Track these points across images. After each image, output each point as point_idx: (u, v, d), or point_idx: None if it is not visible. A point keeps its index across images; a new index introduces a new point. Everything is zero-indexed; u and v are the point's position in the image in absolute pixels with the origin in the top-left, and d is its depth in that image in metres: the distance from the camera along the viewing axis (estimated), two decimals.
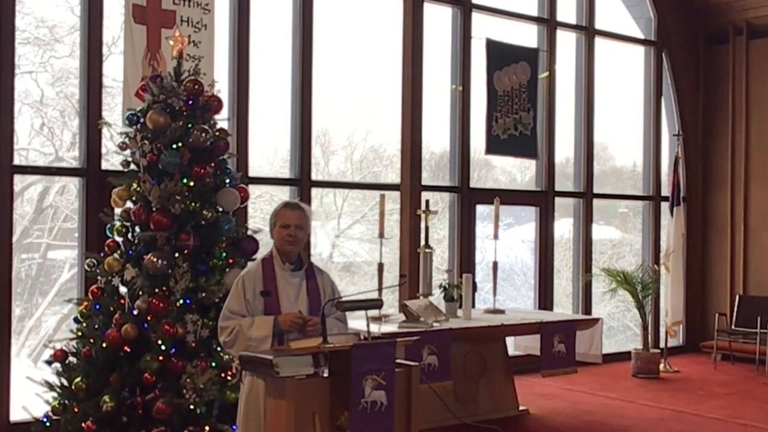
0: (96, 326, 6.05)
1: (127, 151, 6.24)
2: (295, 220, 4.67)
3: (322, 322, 4.33)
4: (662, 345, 11.11)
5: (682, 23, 12.22)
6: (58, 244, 10.07)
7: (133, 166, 6.19)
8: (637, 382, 10.05)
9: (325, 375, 4.22)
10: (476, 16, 10.29)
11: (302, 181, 9.00)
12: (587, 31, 11.42)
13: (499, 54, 10.31)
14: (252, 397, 4.49)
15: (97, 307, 6.10)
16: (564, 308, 11.43)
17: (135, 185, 6.09)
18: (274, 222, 4.71)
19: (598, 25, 11.54)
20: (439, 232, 10.83)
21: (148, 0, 7.57)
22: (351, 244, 11.70)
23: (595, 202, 11.61)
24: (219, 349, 5.74)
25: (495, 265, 8.67)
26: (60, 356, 6.15)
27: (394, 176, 10.13)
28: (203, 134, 6.08)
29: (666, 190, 11.82)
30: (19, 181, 7.96)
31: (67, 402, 6.01)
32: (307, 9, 8.97)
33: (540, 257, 10.94)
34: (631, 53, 12.13)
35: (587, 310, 11.23)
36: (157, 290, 5.85)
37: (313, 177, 9.21)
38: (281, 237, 4.66)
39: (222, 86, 6.81)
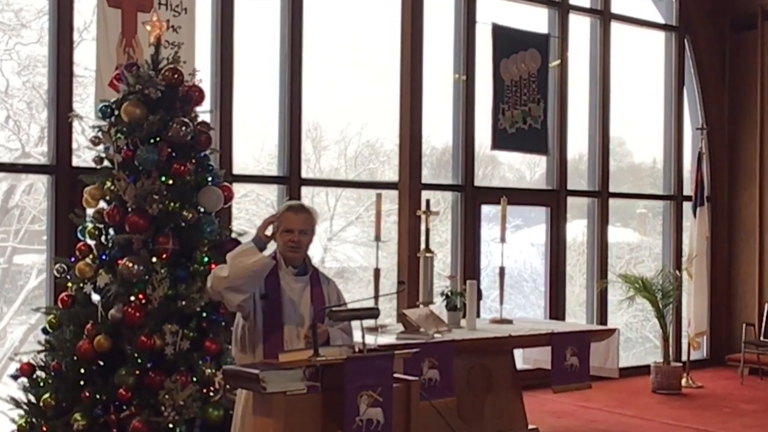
0: (66, 338, 6.04)
1: (100, 147, 6.24)
2: (299, 224, 4.71)
3: (314, 332, 4.34)
4: (684, 358, 11.12)
5: (706, 6, 12.24)
6: (25, 248, 10.07)
7: (106, 163, 6.19)
8: (657, 399, 10.07)
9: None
10: None
11: (291, 179, 9.01)
12: (602, 15, 11.44)
13: (507, 40, 10.33)
14: (249, 411, 4.49)
15: (68, 316, 6.10)
16: (577, 318, 11.45)
17: (109, 183, 6.09)
18: (277, 225, 4.73)
19: (615, 8, 11.56)
20: (440, 235, 10.85)
21: None
22: (345, 248, 11.71)
23: (611, 201, 11.63)
24: (200, 362, 5.76)
25: (502, 270, 8.67)
26: (27, 370, 6.15)
27: (391, 174, 10.14)
28: (183, 128, 6.08)
29: (688, 189, 11.84)
30: None
31: (34, 420, 6.00)
32: None
33: (551, 262, 10.96)
34: (650, 39, 12.15)
35: (602, 319, 11.25)
36: (132, 298, 5.85)
37: (303, 174, 9.22)
38: (283, 243, 4.70)
39: (204, 75, 6.82)
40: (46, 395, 5.94)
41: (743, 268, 12.15)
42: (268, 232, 4.69)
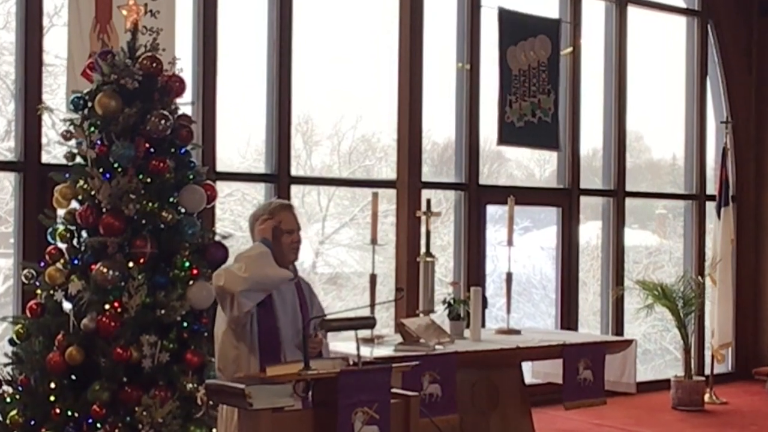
0: (35, 349, 6.05)
1: (72, 142, 6.25)
2: (297, 223, 4.80)
3: (304, 343, 4.35)
4: (707, 371, 11.14)
5: None
6: None
7: (79, 159, 6.20)
8: (678, 416, 10.08)
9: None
10: None
11: (280, 177, 9.01)
12: None
13: (514, 26, 10.34)
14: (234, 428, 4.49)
15: (37, 326, 6.10)
16: (591, 328, 11.46)
17: (81, 182, 6.10)
18: (274, 226, 4.73)
19: None
20: (442, 238, 10.85)
21: None
22: (338, 252, 11.70)
23: (628, 201, 11.65)
24: (181, 376, 5.76)
25: (509, 276, 8.68)
26: None
27: (389, 171, 10.15)
28: (162, 121, 6.09)
29: (712, 188, 11.86)
30: None
31: None
32: None
33: (562, 267, 10.97)
34: (670, 25, 12.17)
35: (618, 330, 11.26)
36: (107, 306, 5.85)
37: (293, 172, 9.22)
38: (287, 244, 4.73)
39: (185, 64, 6.83)
40: (14, 412, 5.95)
41: None
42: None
